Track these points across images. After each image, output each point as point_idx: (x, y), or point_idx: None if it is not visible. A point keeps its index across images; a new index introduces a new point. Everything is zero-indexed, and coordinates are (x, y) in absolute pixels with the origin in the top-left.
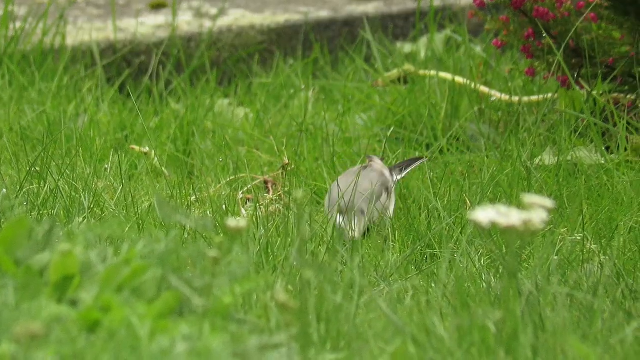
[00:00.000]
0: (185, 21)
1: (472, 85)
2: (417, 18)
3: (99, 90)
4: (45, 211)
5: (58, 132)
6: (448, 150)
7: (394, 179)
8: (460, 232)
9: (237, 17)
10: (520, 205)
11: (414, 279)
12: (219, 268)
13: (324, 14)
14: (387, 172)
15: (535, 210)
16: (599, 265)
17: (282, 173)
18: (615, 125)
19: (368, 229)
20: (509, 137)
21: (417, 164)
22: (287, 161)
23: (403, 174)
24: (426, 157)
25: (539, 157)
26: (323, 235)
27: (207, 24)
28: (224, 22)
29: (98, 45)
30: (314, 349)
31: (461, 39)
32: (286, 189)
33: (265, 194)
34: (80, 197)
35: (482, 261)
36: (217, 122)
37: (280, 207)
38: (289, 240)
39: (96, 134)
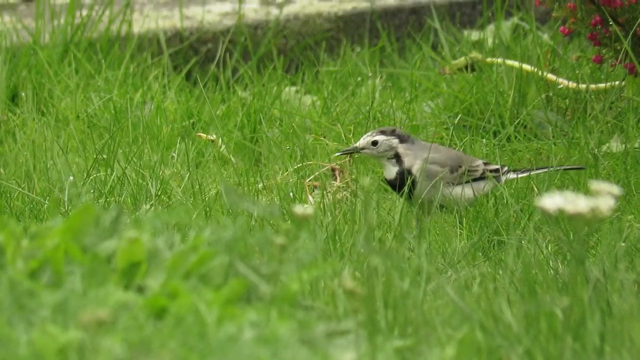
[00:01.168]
0: (252, 9)
1: (540, 72)
2: (484, 6)
3: (166, 78)
4: (112, 198)
5: (125, 119)
6: (515, 137)
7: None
8: (528, 219)
9: (303, 5)
10: (588, 192)
11: (482, 265)
12: (286, 255)
13: (390, 1)
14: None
15: (603, 197)
16: None
17: (349, 160)
18: None
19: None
20: (576, 125)
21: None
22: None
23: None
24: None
25: (607, 145)
26: (390, 222)
27: (274, 11)
28: (290, 9)
29: (165, 33)
30: (382, 335)
31: (528, 27)
32: (353, 177)
33: (333, 181)
34: (147, 184)
35: (549, 248)
36: (284, 109)
37: (348, 195)
38: (356, 227)
39: (163, 122)
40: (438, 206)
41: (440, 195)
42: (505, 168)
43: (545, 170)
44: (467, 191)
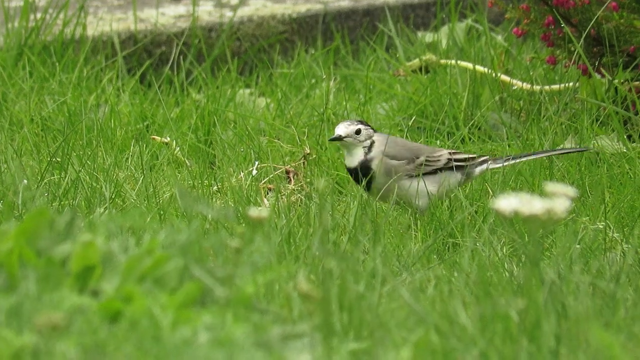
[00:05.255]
0: (206, 11)
1: (493, 74)
2: (438, 7)
3: (120, 81)
4: (66, 202)
5: (79, 122)
6: (470, 139)
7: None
8: (483, 221)
9: (257, 7)
10: (543, 194)
11: (437, 268)
12: (240, 258)
13: (344, 3)
14: None
15: (558, 198)
16: (621, 254)
17: (304, 163)
18: (636, 113)
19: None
20: (531, 126)
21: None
22: (308, 151)
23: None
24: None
25: (561, 146)
26: (345, 225)
27: (228, 13)
28: (244, 12)
29: (119, 36)
30: (337, 338)
31: (482, 28)
32: (308, 179)
33: (287, 184)
34: (102, 187)
35: (504, 250)
36: (238, 112)
37: (302, 197)
38: (311, 229)
39: (117, 125)
40: (401, 200)
41: (398, 187)
42: (484, 158)
43: (538, 155)
44: (429, 182)
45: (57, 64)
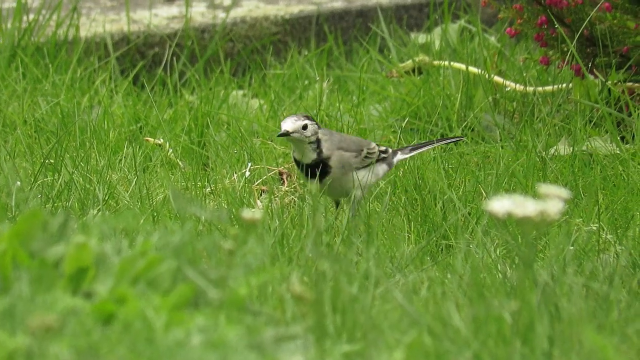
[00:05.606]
0: (199, 12)
1: (487, 75)
2: (431, 8)
3: (113, 82)
4: (60, 203)
5: (72, 124)
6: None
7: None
8: (476, 223)
9: (250, 8)
10: (536, 196)
11: (430, 270)
12: (234, 260)
13: (337, 4)
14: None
15: (551, 200)
16: (615, 256)
17: None
18: (630, 114)
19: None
20: (524, 127)
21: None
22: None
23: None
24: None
25: (554, 147)
26: (338, 227)
27: (221, 15)
28: (237, 13)
29: (112, 37)
30: (330, 340)
31: (475, 29)
32: (301, 180)
33: (280, 185)
34: (95, 189)
35: (497, 252)
36: (231, 113)
37: (295, 199)
38: (304, 231)
39: (110, 126)
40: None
41: (352, 180)
42: (391, 150)
43: (429, 146)
44: (369, 173)
45: (50, 65)
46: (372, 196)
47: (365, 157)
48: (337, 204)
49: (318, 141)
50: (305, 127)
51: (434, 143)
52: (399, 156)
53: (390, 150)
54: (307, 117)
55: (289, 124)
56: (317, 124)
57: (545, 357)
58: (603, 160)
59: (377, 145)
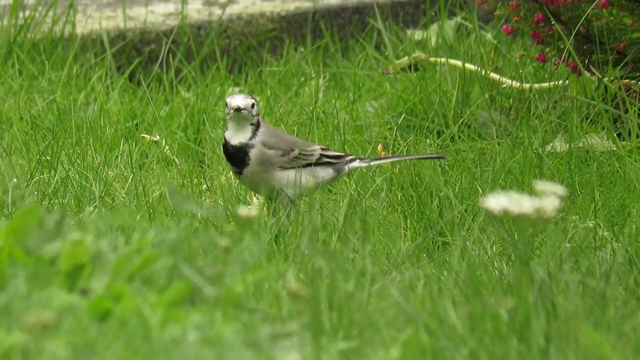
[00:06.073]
0: (195, 9)
1: (483, 72)
2: (428, 5)
3: (109, 79)
4: (56, 200)
5: (68, 121)
6: (459, 137)
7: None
8: (472, 220)
9: (246, 5)
10: (532, 193)
11: (426, 267)
12: (230, 257)
13: (333, 1)
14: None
15: (547, 197)
16: (611, 253)
17: None
18: (626, 111)
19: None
20: (520, 124)
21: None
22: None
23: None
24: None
25: (551, 144)
26: (334, 224)
27: (217, 12)
28: (233, 10)
29: (108, 34)
30: (326, 337)
31: (471, 26)
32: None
33: None
34: (91, 186)
35: (494, 249)
36: None
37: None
38: (300, 228)
39: (106, 123)
40: (276, 190)
41: (271, 177)
42: (352, 157)
43: (398, 159)
44: (304, 175)
45: (46, 62)
46: (369, 193)
47: (297, 158)
48: (271, 200)
49: (258, 124)
50: (253, 105)
51: (412, 157)
52: (355, 164)
53: (349, 157)
54: (252, 97)
55: (241, 100)
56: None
57: (542, 354)
58: (599, 157)
59: (331, 150)
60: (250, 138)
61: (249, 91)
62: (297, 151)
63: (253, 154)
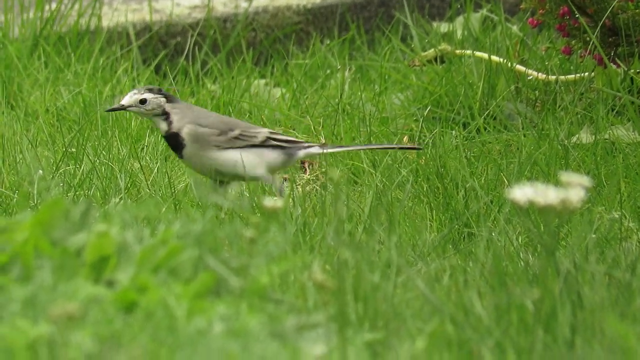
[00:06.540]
0: (221, 2)
1: (509, 64)
2: None
3: (135, 71)
4: (82, 192)
5: (94, 113)
6: (485, 129)
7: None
8: (498, 211)
9: None
10: (558, 184)
11: (452, 258)
12: (255, 248)
13: None
14: None
15: (573, 188)
16: (637, 243)
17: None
18: None
19: None
20: (546, 116)
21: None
22: (323, 141)
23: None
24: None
25: (576, 136)
26: (360, 215)
27: (243, 4)
28: (259, 2)
29: (134, 27)
30: (352, 328)
31: (497, 18)
32: (323, 169)
33: (302, 174)
34: (117, 177)
35: (519, 240)
36: (253, 102)
37: (317, 187)
38: (326, 219)
39: (132, 115)
40: (218, 173)
41: (209, 158)
42: (311, 144)
43: (364, 147)
44: (245, 156)
45: (72, 54)
46: (394, 184)
47: (237, 138)
48: (222, 183)
49: (167, 114)
50: (143, 101)
51: (379, 146)
52: (312, 150)
53: (306, 144)
54: (151, 91)
55: (126, 98)
56: (166, 96)
57: (568, 345)
58: (625, 149)
59: (285, 135)
60: (169, 128)
61: (155, 86)
62: (237, 131)
63: (185, 133)
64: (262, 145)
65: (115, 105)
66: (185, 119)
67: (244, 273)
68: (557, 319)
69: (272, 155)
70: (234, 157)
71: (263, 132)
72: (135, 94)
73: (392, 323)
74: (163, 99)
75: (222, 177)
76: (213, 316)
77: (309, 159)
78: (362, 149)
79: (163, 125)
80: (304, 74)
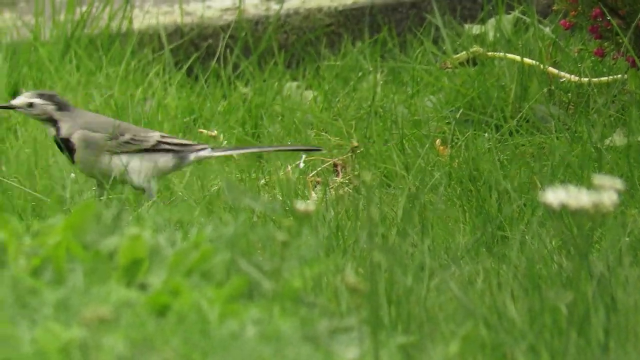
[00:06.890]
0: (252, 4)
1: (541, 66)
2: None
3: (167, 74)
4: (114, 195)
5: (126, 116)
6: (517, 131)
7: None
8: (531, 214)
9: (304, 0)
10: (591, 187)
11: (485, 261)
12: (288, 251)
13: None
14: None
15: (606, 191)
16: None
17: (351, 156)
18: None
19: None
20: (579, 118)
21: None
22: (356, 144)
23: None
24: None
25: (610, 138)
26: (393, 218)
27: (274, 6)
28: (291, 4)
29: (165, 29)
30: (385, 332)
31: (529, 20)
32: (355, 172)
33: (335, 177)
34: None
35: (553, 243)
36: (285, 105)
37: (350, 190)
38: (359, 223)
39: (164, 118)
40: (108, 176)
41: (100, 163)
42: (203, 146)
43: (257, 150)
44: (135, 160)
45: (103, 57)
46: (427, 187)
47: (127, 142)
48: (100, 185)
49: (55, 121)
50: (31, 105)
51: (275, 148)
52: (203, 153)
53: (198, 147)
54: (41, 96)
55: (18, 99)
56: (58, 103)
57: (601, 348)
58: None
59: (176, 138)
60: (57, 133)
61: (49, 91)
62: (128, 136)
63: (75, 138)
64: (154, 149)
65: (5, 104)
66: (75, 125)
67: (276, 276)
68: (591, 322)
69: (163, 159)
70: (122, 162)
71: (154, 136)
72: (26, 96)
73: (425, 326)
74: (51, 107)
75: (112, 181)
76: (245, 319)
77: (202, 161)
78: (255, 152)
79: (51, 130)
80: (336, 76)
